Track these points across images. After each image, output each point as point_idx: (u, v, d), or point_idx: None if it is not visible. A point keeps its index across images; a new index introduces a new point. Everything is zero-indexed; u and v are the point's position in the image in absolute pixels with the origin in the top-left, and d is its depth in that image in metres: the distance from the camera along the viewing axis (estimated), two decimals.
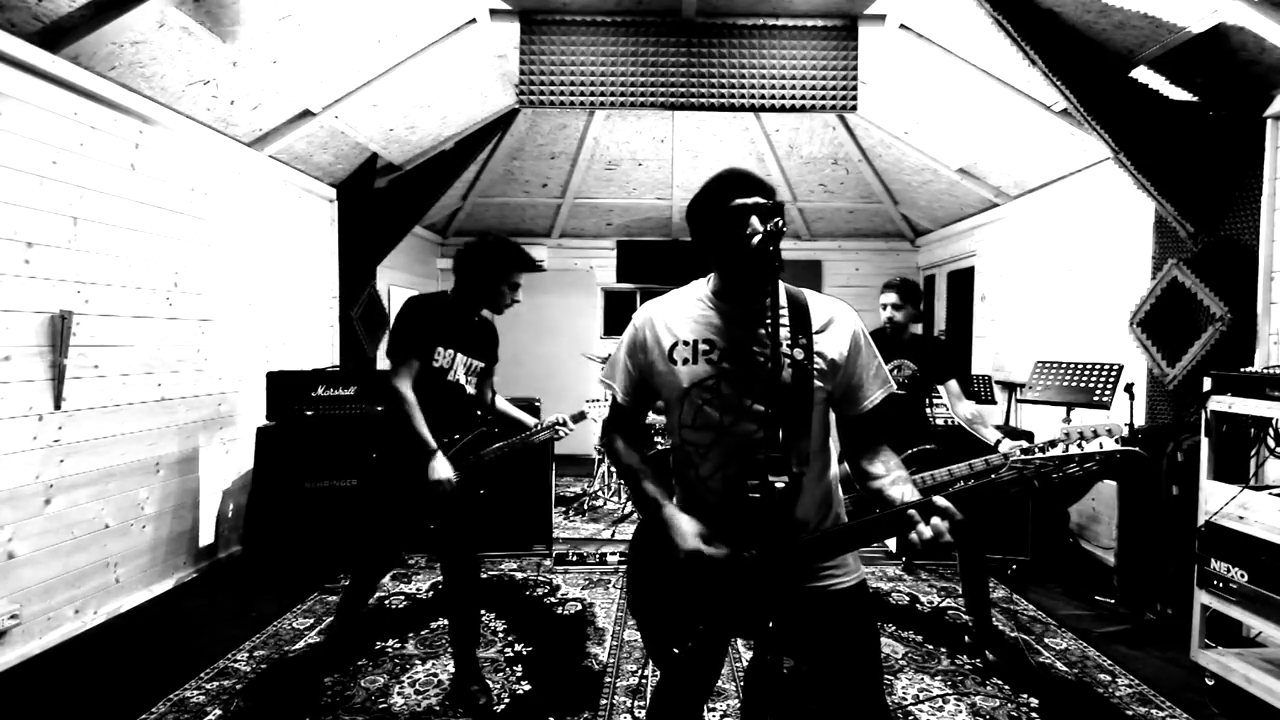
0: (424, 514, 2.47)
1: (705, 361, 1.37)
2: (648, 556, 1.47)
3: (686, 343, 1.39)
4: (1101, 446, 1.27)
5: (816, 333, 1.37)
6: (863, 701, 1.38)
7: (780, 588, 1.28)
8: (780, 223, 1.29)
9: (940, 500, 1.21)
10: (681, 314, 1.43)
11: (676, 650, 1.37)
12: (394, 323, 2.46)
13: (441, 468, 2.35)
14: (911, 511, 1.22)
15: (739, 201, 1.30)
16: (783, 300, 1.38)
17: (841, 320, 1.40)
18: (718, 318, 1.39)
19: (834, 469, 1.48)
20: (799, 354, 1.33)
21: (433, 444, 2.36)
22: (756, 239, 1.28)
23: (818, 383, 1.36)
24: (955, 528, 1.20)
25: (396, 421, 2.38)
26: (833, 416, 1.47)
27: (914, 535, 1.21)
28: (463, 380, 2.53)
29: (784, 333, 1.34)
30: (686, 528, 1.35)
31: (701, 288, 1.45)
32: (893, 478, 1.36)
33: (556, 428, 2.75)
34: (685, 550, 1.32)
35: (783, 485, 1.24)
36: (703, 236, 1.39)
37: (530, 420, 2.76)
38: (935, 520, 1.20)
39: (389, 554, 2.60)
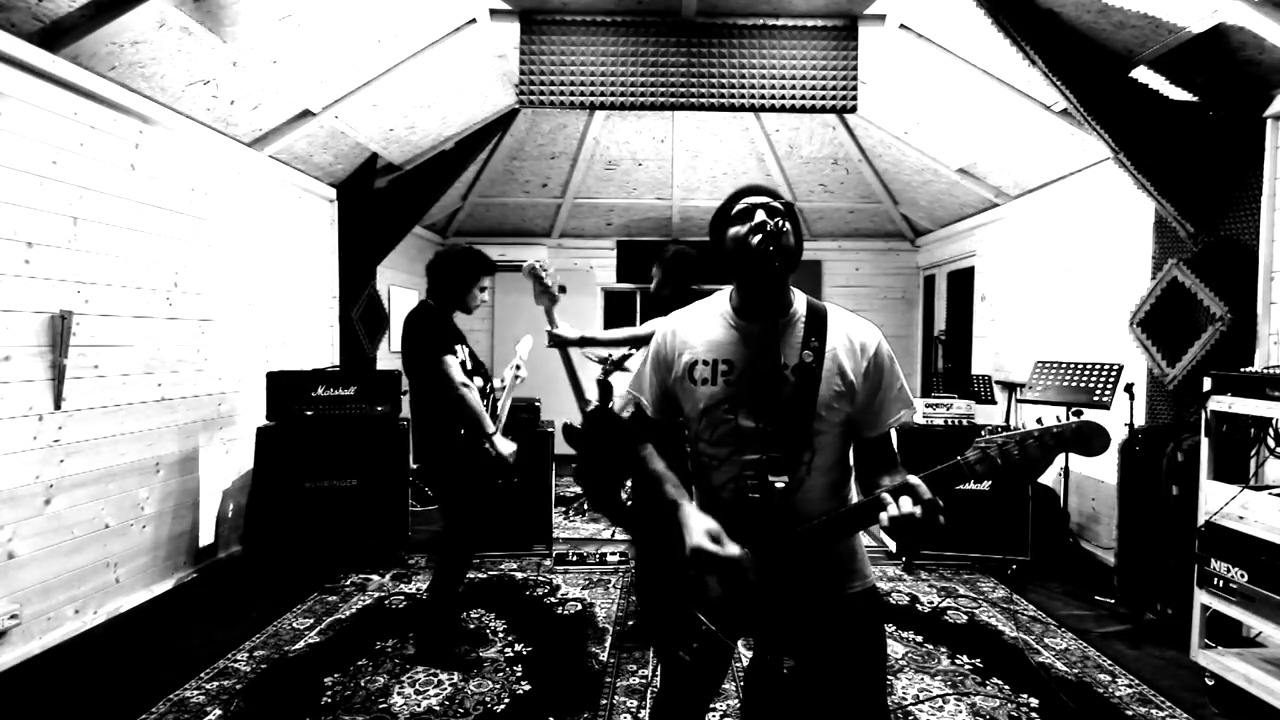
0: (489, 485, 2.85)
1: (724, 382, 1.37)
2: (655, 560, 1.48)
3: (706, 363, 1.39)
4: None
5: (833, 346, 1.36)
6: (863, 707, 1.38)
7: (782, 584, 1.28)
8: (781, 223, 1.30)
9: (912, 479, 1.20)
10: (702, 331, 1.43)
11: (683, 654, 1.36)
12: (417, 331, 2.73)
13: (506, 444, 2.80)
14: (884, 495, 1.21)
15: (745, 201, 1.35)
16: (803, 311, 1.39)
17: (862, 339, 1.38)
18: (736, 337, 1.39)
19: (853, 490, 1.48)
20: (808, 356, 1.33)
21: (492, 426, 2.77)
22: (757, 238, 1.29)
23: (835, 404, 1.34)
24: (927, 507, 1.17)
25: (462, 412, 2.69)
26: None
27: (883, 515, 1.20)
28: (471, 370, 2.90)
29: (799, 341, 1.35)
30: (697, 525, 1.34)
31: (723, 303, 1.45)
32: (892, 476, 1.33)
33: (517, 374, 3.13)
34: (690, 546, 1.32)
35: (783, 485, 1.24)
36: (718, 245, 1.41)
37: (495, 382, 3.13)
38: (903, 499, 1.19)
39: (476, 533, 2.89)
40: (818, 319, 1.37)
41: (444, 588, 2.81)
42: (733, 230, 1.35)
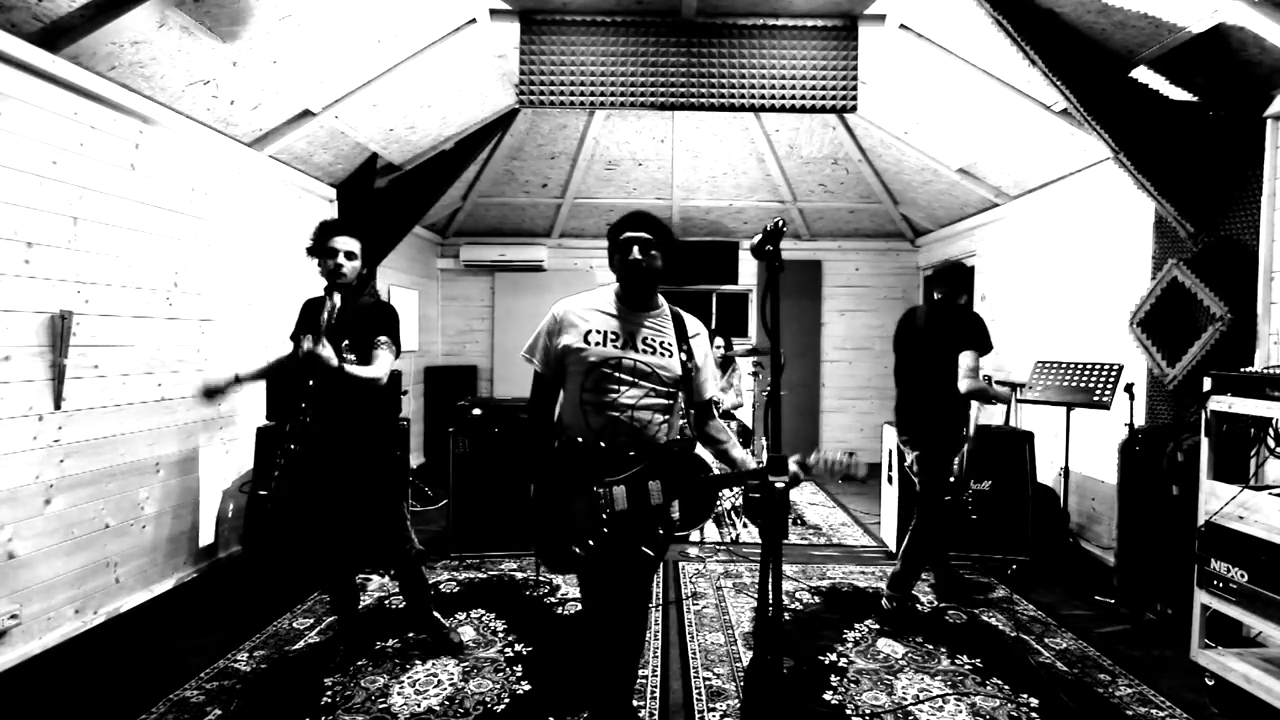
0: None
1: (611, 345, 1.92)
2: (550, 500, 1.89)
3: (599, 331, 1.94)
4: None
5: (690, 334, 2.02)
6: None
7: (644, 510, 1.84)
8: (650, 251, 1.93)
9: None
10: (596, 309, 1.98)
11: (577, 549, 1.81)
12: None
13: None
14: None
15: (626, 235, 1.94)
16: (667, 309, 2.03)
17: (703, 335, 2.08)
18: (619, 315, 1.97)
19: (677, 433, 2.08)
20: (684, 355, 1.96)
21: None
22: (632, 263, 1.90)
23: (684, 369, 1.97)
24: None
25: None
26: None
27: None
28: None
29: (669, 334, 1.98)
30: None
31: (610, 292, 2.02)
32: (732, 441, 2.09)
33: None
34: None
35: (642, 424, 1.89)
36: (611, 256, 2.02)
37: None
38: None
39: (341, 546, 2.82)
40: (679, 317, 2.04)
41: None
42: (617, 254, 1.96)
